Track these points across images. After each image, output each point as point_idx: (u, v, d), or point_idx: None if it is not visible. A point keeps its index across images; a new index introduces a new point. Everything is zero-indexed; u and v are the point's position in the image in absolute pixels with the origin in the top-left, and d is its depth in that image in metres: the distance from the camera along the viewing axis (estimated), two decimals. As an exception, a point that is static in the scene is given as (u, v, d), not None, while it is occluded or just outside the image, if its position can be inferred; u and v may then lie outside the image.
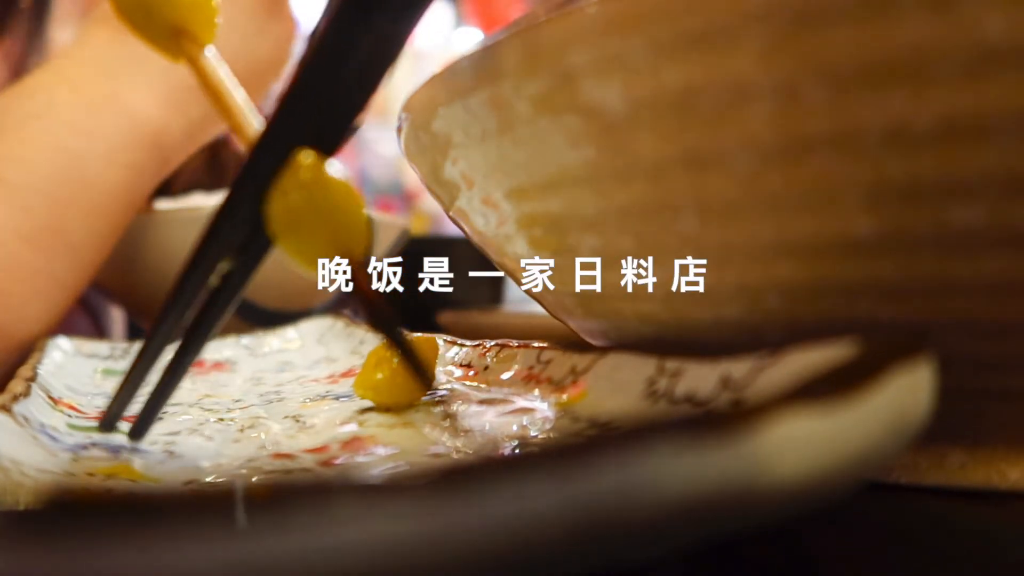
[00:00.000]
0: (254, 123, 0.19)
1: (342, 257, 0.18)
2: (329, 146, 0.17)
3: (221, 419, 0.21)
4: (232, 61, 0.19)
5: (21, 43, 0.51)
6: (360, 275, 0.18)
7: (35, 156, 0.35)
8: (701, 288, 0.15)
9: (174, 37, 0.19)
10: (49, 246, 0.35)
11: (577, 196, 0.16)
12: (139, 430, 0.18)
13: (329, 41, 0.16)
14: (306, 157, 0.17)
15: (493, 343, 0.21)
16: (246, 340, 0.36)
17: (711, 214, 0.14)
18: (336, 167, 0.17)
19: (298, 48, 0.45)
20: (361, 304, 0.19)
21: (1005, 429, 0.15)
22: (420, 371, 0.19)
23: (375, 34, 0.16)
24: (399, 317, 0.18)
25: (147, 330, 0.17)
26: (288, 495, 0.07)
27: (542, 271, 0.19)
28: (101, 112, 0.37)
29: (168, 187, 0.51)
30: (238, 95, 0.19)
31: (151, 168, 0.39)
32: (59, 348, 0.30)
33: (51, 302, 0.36)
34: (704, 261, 0.15)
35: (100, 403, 0.24)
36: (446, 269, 0.22)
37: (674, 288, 0.16)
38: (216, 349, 0.34)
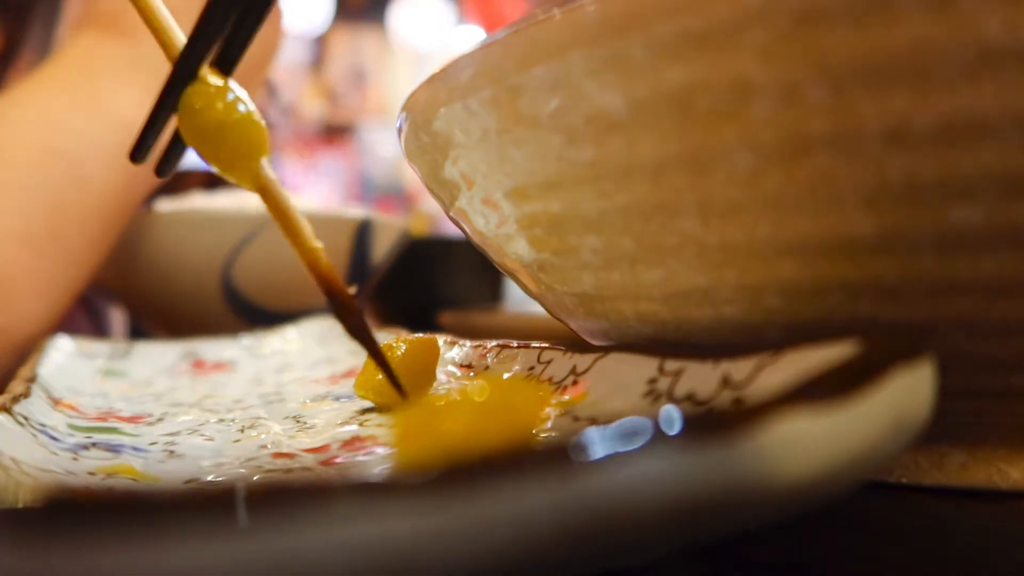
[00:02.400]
0: (314, 240, 0.20)
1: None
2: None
3: (222, 419, 0.21)
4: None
5: (35, 53, 0.51)
6: (333, 280, 0.19)
7: (30, 159, 0.35)
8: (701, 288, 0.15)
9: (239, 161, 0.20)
10: (46, 248, 0.35)
11: (577, 196, 0.16)
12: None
13: None
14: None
15: (493, 343, 0.21)
16: (247, 340, 0.36)
17: (711, 214, 0.14)
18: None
19: (286, 42, 0.45)
20: (334, 309, 0.20)
21: (1005, 429, 0.15)
22: (392, 378, 0.19)
23: None
24: (368, 325, 0.19)
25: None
26: (288, 494, 0.07)
27: (542, 271, 0.19)
28: (95, 115, 0.37)
29: (169, 187, 0.51)
30: (297, 210, 0.21)
31: (147, 170, 0.39)
32: (59, 348, 0.30)
33: (49, 303, 0.36)
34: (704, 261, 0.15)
35: (100, 403, 0.24)
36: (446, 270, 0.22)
37: (674, 288, 0.16)
38: (217, 350, 0.35)
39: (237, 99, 0.19)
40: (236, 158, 0.19)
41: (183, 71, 0.19)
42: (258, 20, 0.19)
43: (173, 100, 0.19)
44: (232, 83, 0.19)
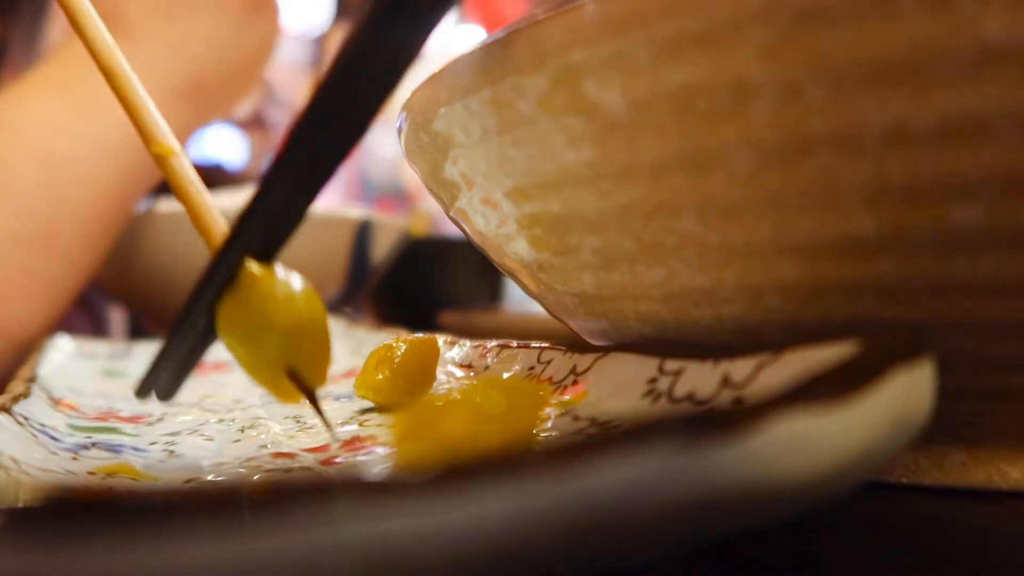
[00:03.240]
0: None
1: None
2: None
3: (221, 419, 0.21)
4: (220, 55, 0.19)
5: (24, 54, 0.51)
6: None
7: (27, 160, 0.35)
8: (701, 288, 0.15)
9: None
10: (43, 249, 0.35)
11: (577, 196, 0.16)
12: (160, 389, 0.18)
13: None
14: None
15: (494, 343, 0.21)
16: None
17: (711, 214, 0.14)
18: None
19: (282, 43, 0.45)
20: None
21: (1005, 429, 0.15)
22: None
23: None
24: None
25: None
26: (288, 494, 0.07)
27: (542, 271, 0.19)
28: (91, 116, 0.37)
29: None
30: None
31: (143, 171, 0.39)
32: (59, 348, 0.30)
33: (47, 304, 0.36)
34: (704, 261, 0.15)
35: (100, 403, 0.24)
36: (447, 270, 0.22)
37: (674, 288, 0.16)
38: (217, 350, 0.34)
39: (307, 295, 0.16)
40: (311, 364, 0.17)
41: (227, 260, 0.16)
42: (306, 205, 0.16)
43: (214, 293, 0.16)
44: (287, 275, 0.17)
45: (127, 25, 0.38)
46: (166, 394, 0.18)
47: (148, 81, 0.40)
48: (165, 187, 0.48)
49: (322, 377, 0.17)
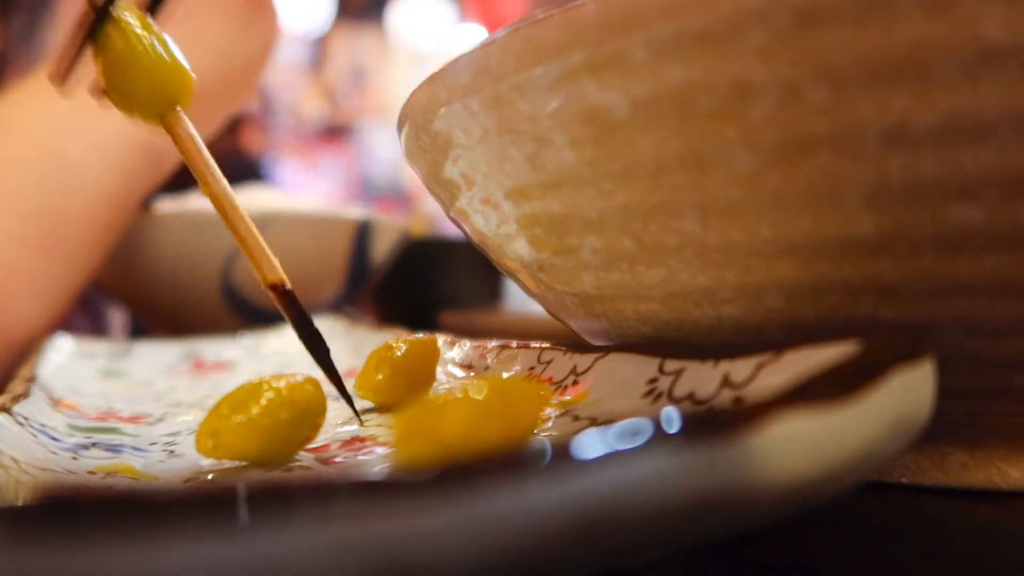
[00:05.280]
0: (225, 184, 0.20)
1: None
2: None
3: (221, 419, 0.21)
4: (219, 59, 0.19)
5: (23, 54, 0.51)
6: (284, 300, 0.19)
7: (28, 161, 0.35)
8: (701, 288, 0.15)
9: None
10: (44, 250, 0.35)
11: (577, 196, 0.16)
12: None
13: None
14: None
15: (494, 343, 0.21)
16: (247, 340, 0.36)
17: (711, 214, 0.14)
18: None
19: (281, 43, 0.45)
20: (291, 325, 0.19)
21: (1005, 429, 0.15)
22: (345, 395, 0.19)
23: None
24: (323, 341, 0.19)
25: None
26: (288, 494, 0.07)
27: (542, 271, 0.19)
28: (93, 118, 0.37)
29: (170, 187, 0.51)
30: (209, 158, 0.20)
31: (145, 172, 0.39)
32: (59, 348, 0.30)
33: (47, 305, 0.36)
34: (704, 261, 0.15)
35: (100, 403, 0.24)
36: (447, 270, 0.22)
37: (674, 288, 0.16)
38: (217, 350, 0.35)
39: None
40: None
41: (101, 5, 0.19)
42: None
43: (92, 32, 0.19)
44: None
45: None
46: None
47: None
48: (166, 187, 0.48)
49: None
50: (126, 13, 0.19)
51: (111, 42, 0.19)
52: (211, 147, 0.21)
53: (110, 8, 0.19)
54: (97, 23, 0.19)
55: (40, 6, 0.52)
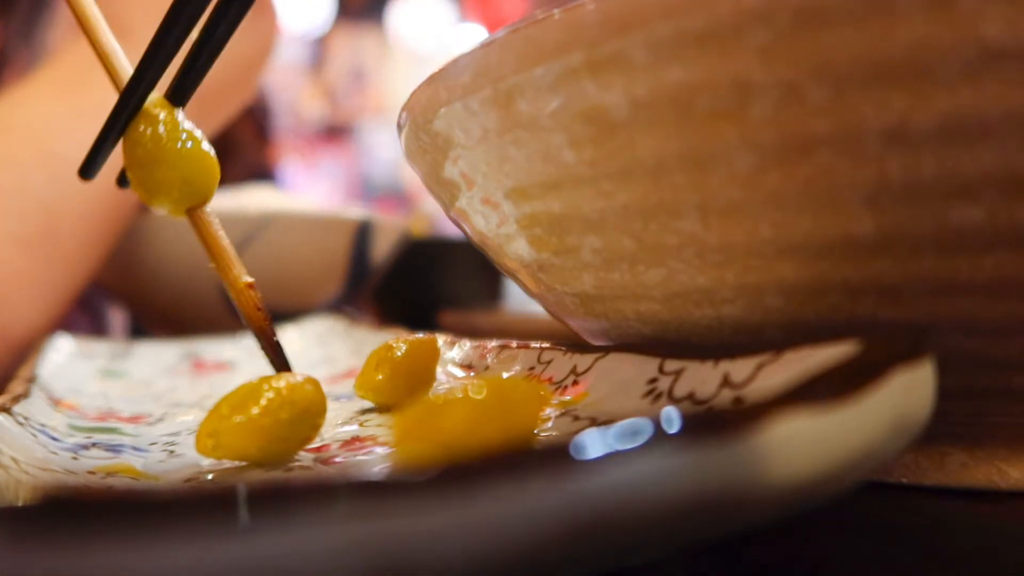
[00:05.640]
0: (243, 273, 0.21)
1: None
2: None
3: (221, 419, 0.21)
4: (220, 60, 0.19)
5: (23, 54, 0.51)
6: (245, 297, 0.20)
7: (27, 162, 0.35)
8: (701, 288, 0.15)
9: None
10: (43, 251, 0.35)
11: (577, 196, 0.16)
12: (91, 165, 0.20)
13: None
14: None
15: (493, 343, 0.21)
16: (247, 340, 0.36)
17: (711, 214, 0.14)
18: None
19: (281, 43, 0.45)
20: (248, 327, 0.20)
21: (1005, 429, 0.15)
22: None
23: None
24: (279, 345, 0.20)
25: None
26: (288, 494, 0.07)
27: (542, 271, 0.19)
28: (93, 119, 0.37)
29: None
30: (231, 248, 0.21)
31: None
32: (59, 348, 0.30)
33: (46, 306, 0.36)
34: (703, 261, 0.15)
35: (100, 403, 0.24)
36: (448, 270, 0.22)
37: (674, 288, 0.16)
38: (217, 350, 0.35)
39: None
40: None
41: (129, 100, 0.19)
42: (214, 53, 0.19)
43: (120, 126, 0.19)
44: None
45: (128, 28, 0.38)
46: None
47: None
48: None
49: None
50: (158, 109, 0.19)
51: (140, 137, 0.19)
52: (241, 166, 0.22)
53: (140, 101, 0.19)
54: (127, 116, 0.19)
55: (40, 5, 0.52)
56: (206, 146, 0.20)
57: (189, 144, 0.19)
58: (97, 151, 0.20)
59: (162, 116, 0.19)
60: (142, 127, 0.19)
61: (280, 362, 0.20)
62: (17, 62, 0.51)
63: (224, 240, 0.20)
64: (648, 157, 0.14)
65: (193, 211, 0.20)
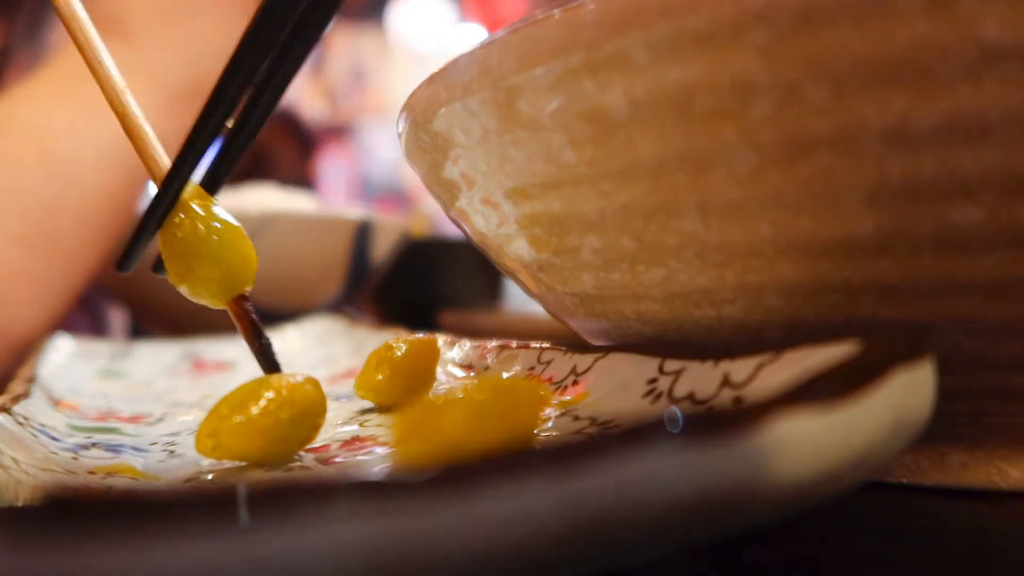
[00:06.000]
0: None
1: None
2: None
3: (221, 419, 0.21)
4: (218, 59, 0.19)
5: (27, 54, 0.51)
6: (238, 310, 0.20)
7: (27, 162, 0.35)
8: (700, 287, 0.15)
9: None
10: (43, 251, 0.35)
11: (577, 196, 0.16)
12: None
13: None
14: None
15: (493, 343, 0.21)
16: (246, 340, 0.36)
17: (711, 214, 0.14)
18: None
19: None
20: (245, 339, 0.20)
21: (1005, 429, 0.15)
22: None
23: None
24: (273, 356, 0.20)
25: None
26: (288, 494, 0.07)
27: (542, 271, 0.19)
28: (92, 118, 0.37)
29: None
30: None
31: (144, 174, 0.39)
32: (59, 348, 0.30)
33: (46, 305, 0.36)
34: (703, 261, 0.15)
35: (100, 403, 0.24)
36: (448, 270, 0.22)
37: (674, 288, 0.16)
38: (217, 350, 0.35)
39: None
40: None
41: (167, 191, 0.19)
42: (248, 140, 0.19)
43: (158, 218, 0.19)
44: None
45: (127, 29, 0.38)
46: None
47: (149, 84, 0.40)
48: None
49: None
50: (194, 200, 0.19)
51: (178, 230, 0.19)
52: (284, 177, 0.22)
53: (178, 193, 0.19)
54: (165, 208, 0.19)
55: (44, 5, 0.52)
56: (243, 233, 0.19)
57: (227, 235, 0.19)
58: (135, 243, 0.20)
59: (198, 209, 0.19)
60: (179, 218, 0.19)
61: (268, 365, 0.20)
62: (20, 61, 0.51)
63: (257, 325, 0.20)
64: (648, 157, 0.14)
65: (233, 302, 0.20)
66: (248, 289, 0.20)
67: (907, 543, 0.13)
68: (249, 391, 0.16)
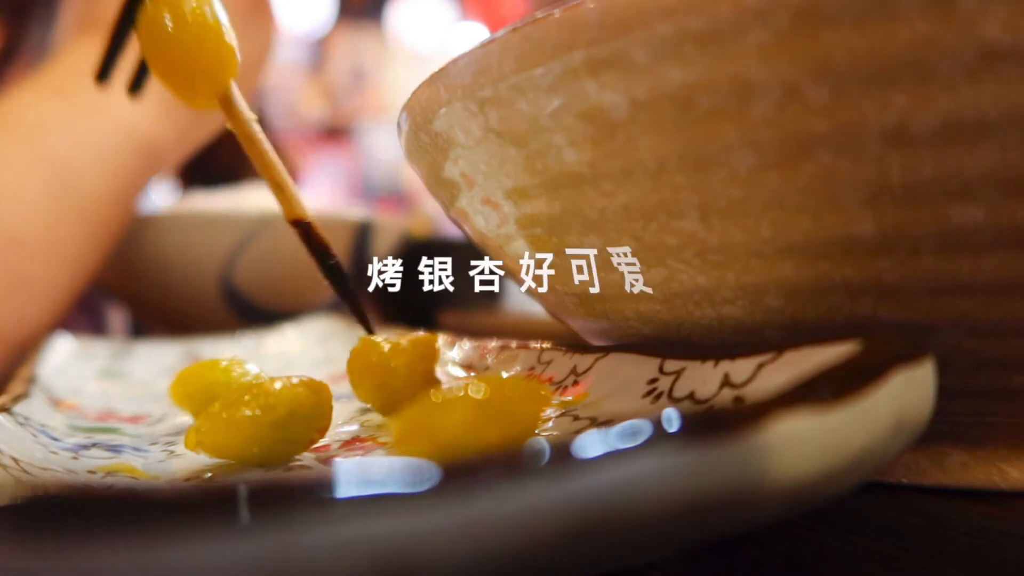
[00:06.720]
0: (283, 170, 0.20)
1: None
2: None
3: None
4: None
5: (33, 52, 0.51)
6: (313, 235, 0.20)
7: (27, 164, 0.35)
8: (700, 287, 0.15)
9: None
10: (42, 252, 0.35)
11: (577, 196, 0.16)
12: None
13: None
14: None
15: (494, 343, 0.21)
16: (247, 340, 0.36)
17: (711, 214, 0.14)
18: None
19: (281, 44, 0.45)
20: (312, 254, 0.20)
21: (1005, 429, 0.15)
22: (365, 322, 0.19)
23: None
24: (345, 278, 0.19)
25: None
26: (288, 493, 0.07)
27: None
28: (92, 120, 0.37)
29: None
30: (269, 146, 0.20)
31: (143, 174, 0.39)
32: (59, 348, 0.30)
33: (45, 307, 0.36)
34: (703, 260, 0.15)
35: (100, 403, 0.24)
36: (448, 270, 0.22)
37: (674, 288, 0.16)
38: (217, 350, 0.34)
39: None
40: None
41: None
42: None
43: (133, 11, 0.18)
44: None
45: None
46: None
47: (149, 90, 0.40)
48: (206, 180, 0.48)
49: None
50: None
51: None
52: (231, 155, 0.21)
53: None
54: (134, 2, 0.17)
55: (45, 5, 0.52)
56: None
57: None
58: (113, 47, 0.19)
59: None
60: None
61: (340, 288, 0.19)
62: (21, 61, 0.51)
63: (260, 134, 0.19)
64: (648, 157, 0.14)
65: (225, 95, 0.19)
66: (233, 83, 0.19)
67: (907, 543, 0.13)
68: (244, 389, 0.16)
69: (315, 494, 0.07)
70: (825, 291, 0.14)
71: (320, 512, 0.07)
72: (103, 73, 0.19)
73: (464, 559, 0.08)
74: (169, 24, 0.17)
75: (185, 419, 0.22)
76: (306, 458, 0.17)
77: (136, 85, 0.19)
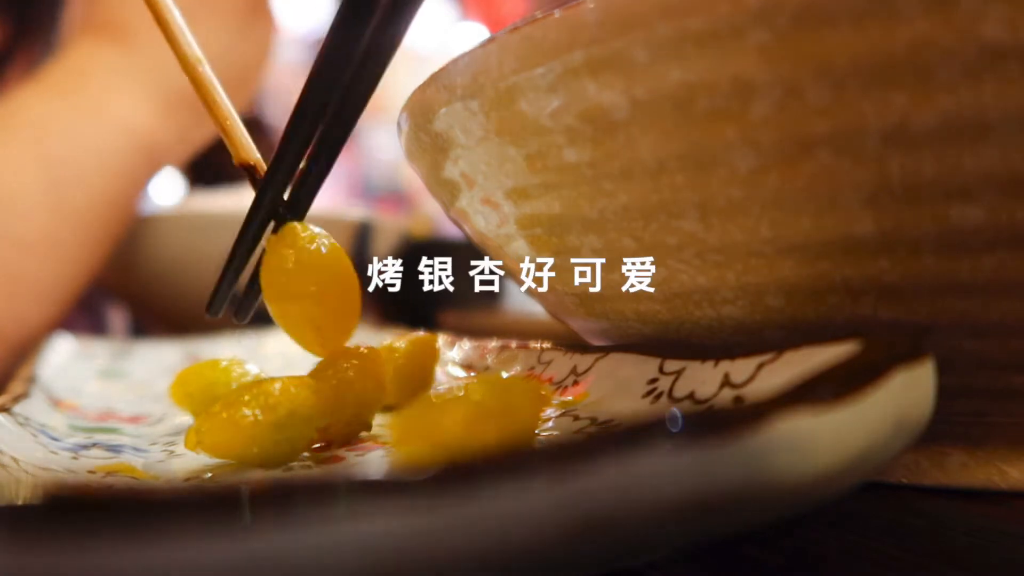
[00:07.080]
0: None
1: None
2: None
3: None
4: (217, 63, 0.19)
5: (36, 51, 0.51)
6: (258, 180, 0.19)
7: (28, 163, 0.35)
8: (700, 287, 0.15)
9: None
10: (43, 252, 0.35)
11: (577, 196, 0.16)
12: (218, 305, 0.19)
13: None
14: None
15: (494, 343, 0.21)
16: (247, 340, 0.36)
17: (711, 214, 0.14)
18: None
19: (279, 48, 0.45)
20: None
21: (1005, 429, 0.15)
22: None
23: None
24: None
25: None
26: (288, 493, 0.07)
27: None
28: (92, 121, 0.37)
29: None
30: (220, 90, 0.20)
31: (143, 174, 0.39)
32: (59, 348, 0.30)
33: (46, 307, 0.36)
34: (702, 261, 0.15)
35: (100, 403, 0.24)
36: (448, 270, 0.22)
37: (674, 288, 0.16)
38: (217, 350, 0.34)
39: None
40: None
41: (259, 211, 0.18)
42: (330, 162, 0.19)
43: (249, 245, 0.18)
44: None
45: (126, 33, 0.38)
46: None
47: (147, 88, 0.40)
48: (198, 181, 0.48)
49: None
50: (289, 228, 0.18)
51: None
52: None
53: (269, 215, 0.18)
54: (248, 245, 0.18)
55: (47, 5, 0.52)
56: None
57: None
58: (221, 283, 0.19)
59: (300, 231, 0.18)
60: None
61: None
62: (22, 61, 0.51)
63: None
64: (648, 157, 0.14)
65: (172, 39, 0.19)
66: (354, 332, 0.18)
67: (907, 543, 0.13)
68: (245, 389, 0.16)
69: (315, 494, 0.07)
70: (825, 291, 0.14)
71: (320, 512, 0.07)
72: (212, 307, 0.20)
73: (464, 559, 0.08)
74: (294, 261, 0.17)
75: (185, 419, 0.22)
76: (306, 458, 0.17)
77: (241, 312, 0.20)
